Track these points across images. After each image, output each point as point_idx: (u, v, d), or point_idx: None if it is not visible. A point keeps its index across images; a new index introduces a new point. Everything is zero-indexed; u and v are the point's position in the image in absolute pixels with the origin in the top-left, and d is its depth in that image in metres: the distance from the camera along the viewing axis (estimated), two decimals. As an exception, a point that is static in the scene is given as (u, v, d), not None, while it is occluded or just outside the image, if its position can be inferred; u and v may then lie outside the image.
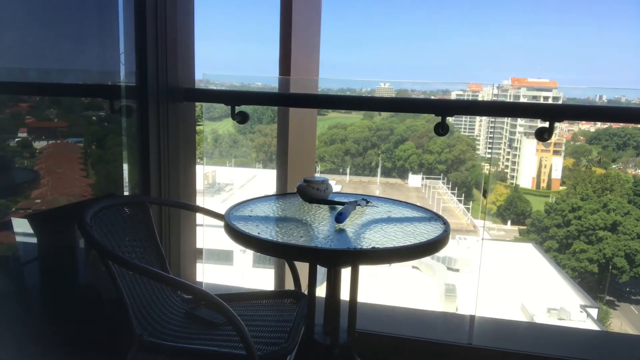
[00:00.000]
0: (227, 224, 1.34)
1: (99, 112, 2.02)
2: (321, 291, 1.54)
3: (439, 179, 30.61)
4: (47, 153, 1.81)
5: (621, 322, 22.65)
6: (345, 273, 1.42)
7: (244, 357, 1.26)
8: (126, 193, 1.99)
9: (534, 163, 33.70)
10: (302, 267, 1.49)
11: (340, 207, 1.45)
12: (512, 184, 33.81)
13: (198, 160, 2.19)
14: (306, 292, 1.58)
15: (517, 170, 34.42)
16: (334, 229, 1.33)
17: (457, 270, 14.10)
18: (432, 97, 2.10)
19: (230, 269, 10.48)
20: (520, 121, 32.73)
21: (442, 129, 1.75)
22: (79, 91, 1.94)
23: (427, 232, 1.33)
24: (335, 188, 1.64)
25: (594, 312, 15.52)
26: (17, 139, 1.70)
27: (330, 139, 33.24)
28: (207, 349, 1.36)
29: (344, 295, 1.44)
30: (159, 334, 1.41)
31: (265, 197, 1.66)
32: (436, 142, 31.29)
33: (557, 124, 1.69)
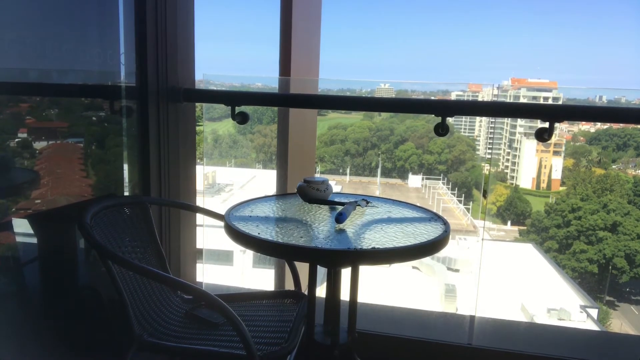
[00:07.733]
0: (227, 224, 1.34)
1: (99, 112, 2.02)
2: (321, 291, 1.55)
3: (439, 179, 30.60)
4: (47, 153, 1.81)
5: (621, 323, 22.65)
6: (346, 273, 1.42)
7: (244, 358, 1.26)
8: (126, 193, 1.98)
9: (534, 163, 33.71)
10: (302, 267, 1.49)
11: (340, 208, 1.45)
12: (512, 184, 33.82)
13: (198, 160, 2.19)
14: (306, 292, 1.58)
15: (517, 170, 34.43)
16: (334, 229, 1.33)
17: (457, 271, 14.09)
18: (432, 98, 2.10)
19: (230, 269, 10.47)
20: (520, 122, 32.75)
21: (442, 130, 1.75)
22: (79, 91, 1.93)
23: (427, 232, 1.33)
24: (335, 188, 1.64)
25: (594, 312, 15.53)
26: (17, 140, 1.69)
27: (330, 140, 33.26)
28: (207, 349, 1.36)
29: (344, 295, 1.44)
30: (159, 334, 1.41)
31: (265, 198, 1.66)
32: (436, 142, 31.30)
33: (557, 125, 1.69)
